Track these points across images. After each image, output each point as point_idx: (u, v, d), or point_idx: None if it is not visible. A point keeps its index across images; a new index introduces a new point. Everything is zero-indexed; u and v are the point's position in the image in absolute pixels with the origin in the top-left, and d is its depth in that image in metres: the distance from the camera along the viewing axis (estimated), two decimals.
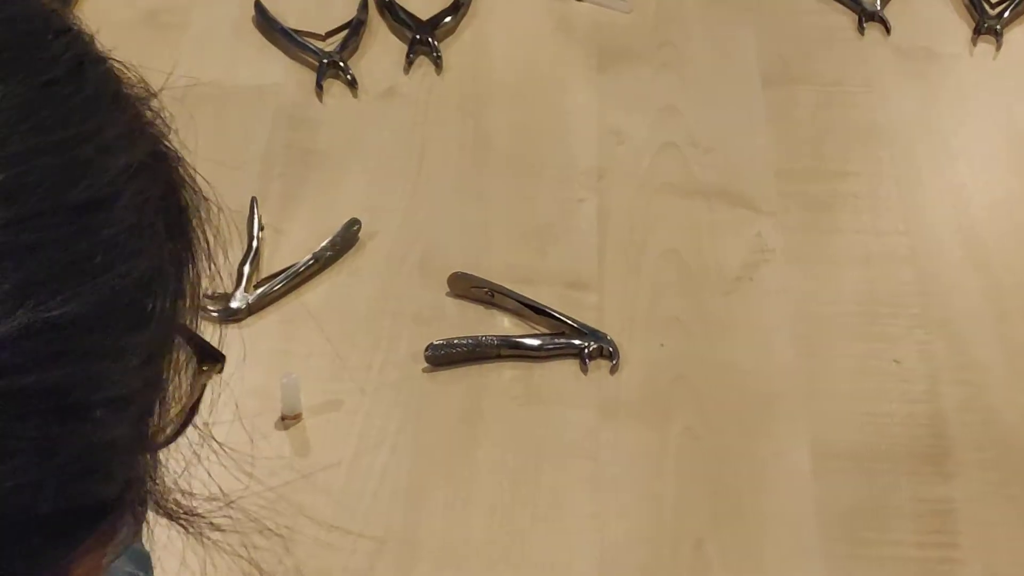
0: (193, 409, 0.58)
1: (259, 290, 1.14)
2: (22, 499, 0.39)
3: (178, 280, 0.49)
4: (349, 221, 1.19)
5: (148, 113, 0.51)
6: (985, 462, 1.05)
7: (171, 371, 0.51)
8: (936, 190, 1.26)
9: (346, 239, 1.18)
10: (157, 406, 0.49)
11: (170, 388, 0.53)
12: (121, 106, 0.47)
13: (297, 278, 1.15)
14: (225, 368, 1.06)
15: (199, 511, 0.56)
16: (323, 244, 1.17)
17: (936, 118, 1.34)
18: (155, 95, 0.53)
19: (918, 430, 1.07)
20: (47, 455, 0.40)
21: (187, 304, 0.53)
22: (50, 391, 0.40)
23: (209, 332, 1.05)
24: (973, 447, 1.06)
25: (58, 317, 0.40)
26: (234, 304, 1.13)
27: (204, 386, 0.57)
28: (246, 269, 1.15)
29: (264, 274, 1.16)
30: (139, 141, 0.47)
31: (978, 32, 1.40)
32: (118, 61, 0.52)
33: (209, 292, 1.07)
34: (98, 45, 0.50)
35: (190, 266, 0.52)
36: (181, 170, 0.52)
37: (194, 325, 0.57)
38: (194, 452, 0.60)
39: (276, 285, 1.14)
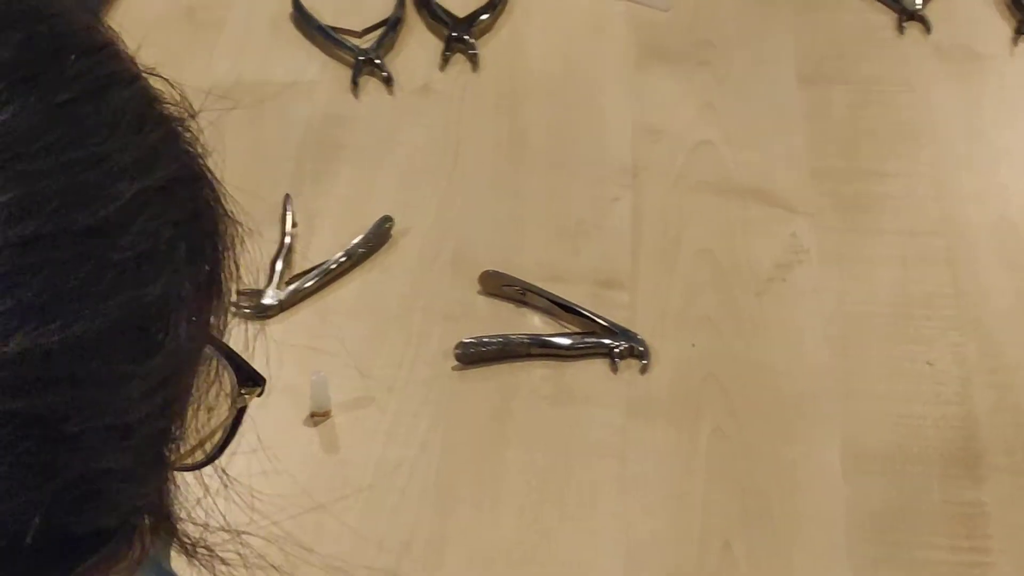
0: (231, 433, 0.58)
1: (291, 287, 1.14)
2: (10, 525, 0.39)
3: (200, 306, 0.48)
4: (382, 218, 1.19)
5: (183, 134, 0.50)
6: (1017, 465, 1.04)
7: (195, 396, 0.50)
8: (974, 191, 1.25)
9: (379, 236, 1.18)
10: (176, 432, 0.47)
11: (198, 412, 0.52)
12: (145, 128, 0.46)
13: (329, 275, 1.15)
14: (259, 365, 1.06)
15: (213, 540, 0.55)
16: (355, 241, 1.17)
17: (976, 118, 1.33)
18: (194, 115, 0.52)
19: (950, 432, 1.06)
20: (37, 481, 0.39)
21: (219, 326, 0.53)
22: (42, 417, 0.39)
23: (241, 329, 1.06)
24: (1004, 450, 1.05)
25: (56, 343, 0.39)
26: (266, 301, 1.13)
27: (243, 410, 0.57)
28: (278, 265, 1.15)
29: (296, 270, 1.16)
30: (162, 164, 0.46)
31: (1019, 32, 1.39)
32: (162, 77, 0.51)
33: (243, 289, 1.08)
34: (134, 63, 0.48)
35: (218, 291, 0.51)
36: (210, 194, 0.50)
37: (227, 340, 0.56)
38: (223, 473, 0.59)
39: (308, 282, 1.14)
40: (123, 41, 0.49)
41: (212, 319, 0.51)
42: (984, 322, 1.14)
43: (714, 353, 1.11)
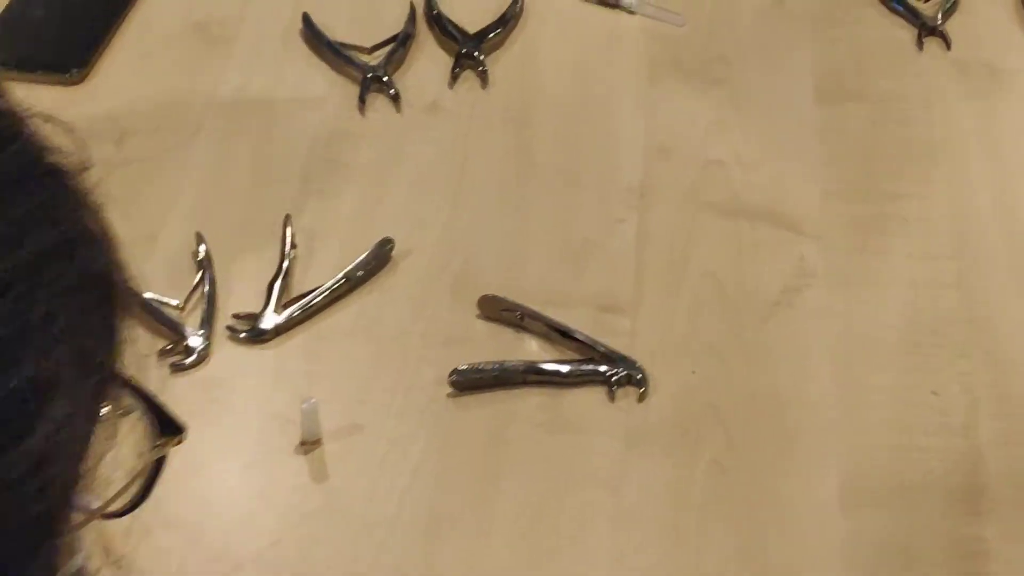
0: (150, 482, 0.56)
1: (288, 310, 1.13)
2: None
3: (87, 374, 0.46)
4: (382, 240, 1.18)
5: (73, 191, 0.48)
6: (1021, 501, 1.01)
7: (94, 458, 0.48)
8: (990, 213, 1.22)
9: (379, 258, 1.17)
10: (74, 496, 0.47)
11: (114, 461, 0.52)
12: (19, 197, 0.44)
13: (326, 298, 1.14)
14: (253, 390, 1.06)
15: None
16: (355, 263, 1.16)
17: (995, 137, 1.30)
18: (88, 168, 0.50)
19: (954, 465, 1.04)
20: None
21: (121, 386, 0.52)
22: None
23: (238, 352, 1.05)
24: (1010, 484, 1.02)
25: None
26: (262, 325, 1.12)
27: (163, 459, 0.56)
28: (275, 288, 1.14)
29: (294, 293, 1.15)
30: (35, 236, 0.44)
31: None
32: (60, 123, 0.49)
33: (240, 313, 1.07)
34: (19, 116, 0.47)
35: (119, 345, 0.50)
36: (103, 255, 0.49)
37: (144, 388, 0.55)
38: None
39: (305, 305, 1.13)
40: (9, 93, 0.47)
41: (117, 369, 0.50)
42: (994, 350, 1.11)
43: (715, 381, 1.09)
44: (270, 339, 1.11)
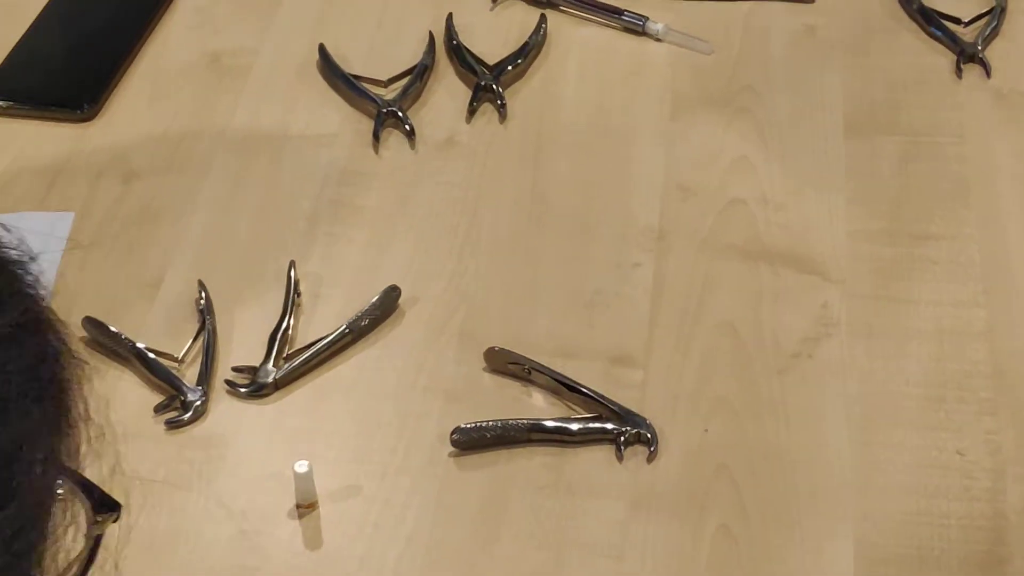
0: (89, 561, 0.57)
1: (289, 363, 1.10)
2: None
3: (52, 446, 0.50)
4: (388, 288, 1.14)
5: (24, 278, 0.51)
6: None
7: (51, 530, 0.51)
8: (1022, 257, 1.17)
9: (385, 307, 1.14)
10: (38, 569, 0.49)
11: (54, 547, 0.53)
12: None
13: (329, 350, 1.11)
14: (250, 448, 1.03)
15: None
16: (359, 313, 1.12)
17: None
18: (34, 258, 0.53)
19: (976, 533, 0.99)
20: None
21: (73, 460, 0.54)
22: None
23: (237, 408, 1.02)
24: None
25: None
26: (261, 379, 1.09)
27: (99, 537, 0.57)
28: (277, 340, 1.11)
29: (298, 343, 1.12)
30: (5, 312, 0.48)
31: None
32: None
33: (240, 366, 1.04)
34: None
35: (67, 428, 0.52)
36: (54, 337, 0.52)
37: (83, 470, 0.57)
38: None
39: (307, 358, 1.10)
40: None
41: (65, 454, 0.52)
42: (1023, 406, 1.06)
43: (727, 440, 1.05)
44: (269, 394, 1.08)
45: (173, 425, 1.06)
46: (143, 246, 1.20)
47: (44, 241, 1.17)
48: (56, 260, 1.17)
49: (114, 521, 0.58)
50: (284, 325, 1.12)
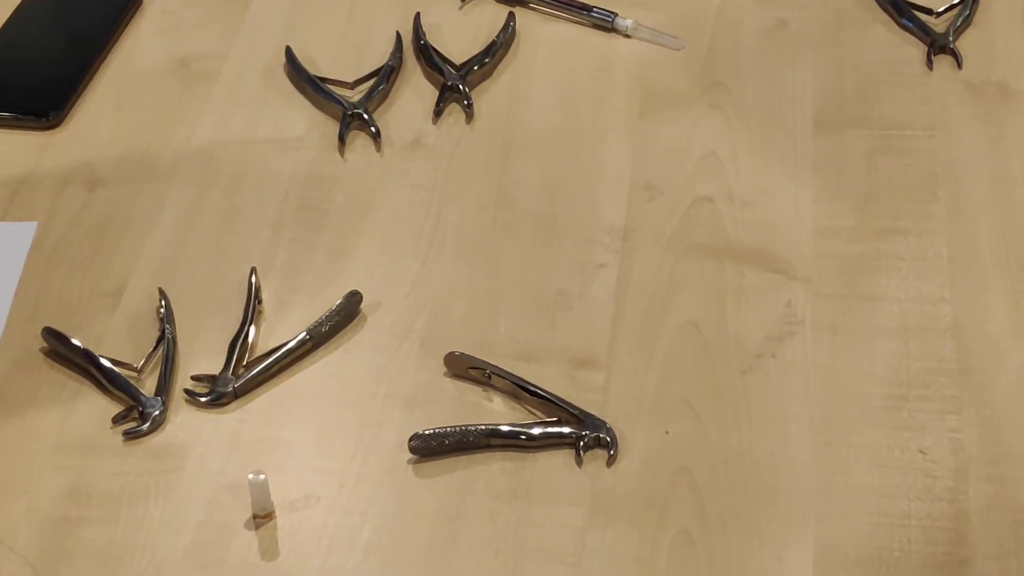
0: None
1: (248, 372, 1.09)
2: None
3: None
4: (350, 293, 1.13)
5: None
6: (1006, 572, 0.95)
7: None
8: (990, 251, 1.16)
9: (346, 312, 1.13)
10: None
11: None
12: None
13: (289, 357, 1.10)
14: (208, 459, 1.02)
15: None
16: (319, 319, 1.12)
17: (1002, 167, 1.23)
18: None
19: (936, 533, 0.98)
20: None
21: None
22: None
23: (196, 417, 1.01)
24: (995, 555, 0.96)
25: None
26: (220, 388, 1.08)
27: None
28: (236, 348, 1.10)
29: (260, 350, 1.11)
30: None
31: None
32: None
33: (199, 375, 1.04)
34: None
35: None
36: None
37: None
38: None
39: (266, 365, 1.09)
40: None
41: None
42: (987, 403, 1.05)
43: (688, 442, 1.04)
44: (228, 403, 1.08)
45: (131, 436, 1.05)
46: (106, 255, 1.19)
47: (5, 252, 1.17)
48: (17, 271, 1.16)
49: None
50: (244, 332, 1.11)
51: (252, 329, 1.12)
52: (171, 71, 1.38)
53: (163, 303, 1.13)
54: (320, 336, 1.11)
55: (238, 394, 1.08)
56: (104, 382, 1.09)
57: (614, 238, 1.19)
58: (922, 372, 1.07)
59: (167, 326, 1.12)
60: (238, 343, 1.11)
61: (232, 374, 1.09)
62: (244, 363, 1.10)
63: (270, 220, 1.22)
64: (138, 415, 1.07)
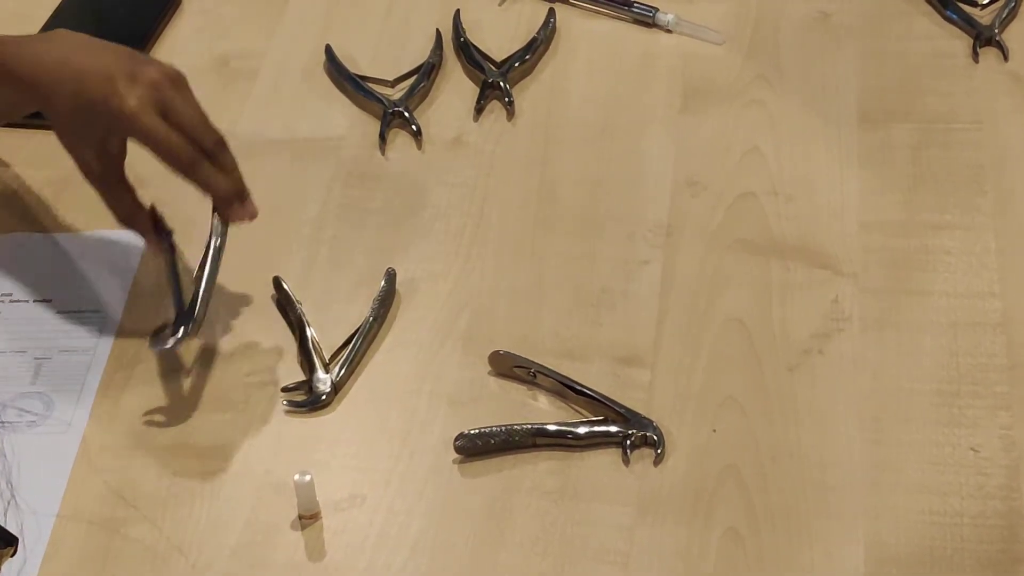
0: None
1: (337, 368, 1.09)
2: None
3: None
4: (388, 272, 1.13)
5: None
6: None
7: None
8: None
9: (387, 291, 1.13)
10: None
11: None
12: None
13: (363, 342, 1.10)
14: (251, 459, 1.02)
15: None
16: (372, 304, 1.12)
17: None
18: None
19: (989, 532, 0.96)
20: None
21: None
22: None
23: (242, 418, 1.00)
24: None
25: None
26: (321, 388, 1.08)
27: None
28: (311, 349, 1.10)
29: (327, 350, 1.11)
30: None
31: None
32: None
33: (287, 385, 1.02)
34: None
35: None
36: None
37: None
38: None
39: (350, 356, 1.10)
40: None
41: None
42: None
43: (735, 440, 1.03)
44: (330, 402, 1.07)
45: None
46: (149, 253, 1.19)
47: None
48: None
49: (12, 555, 0.61)
50: (306, 335, 1.11)
51: (311, 330, 1.11)
52: (210, 69, 1.37)
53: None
54: (380, 316, 1.12)
55: (337, 390, 1.08)
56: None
57: (657, 234, 1.18)
58: (972, 368, 1.06)
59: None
60: (309, 345, 1.10)
61: (325, 373, 1.08)
62: (325, 361, 1.09)
63: (312, 218, 1.22)
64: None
